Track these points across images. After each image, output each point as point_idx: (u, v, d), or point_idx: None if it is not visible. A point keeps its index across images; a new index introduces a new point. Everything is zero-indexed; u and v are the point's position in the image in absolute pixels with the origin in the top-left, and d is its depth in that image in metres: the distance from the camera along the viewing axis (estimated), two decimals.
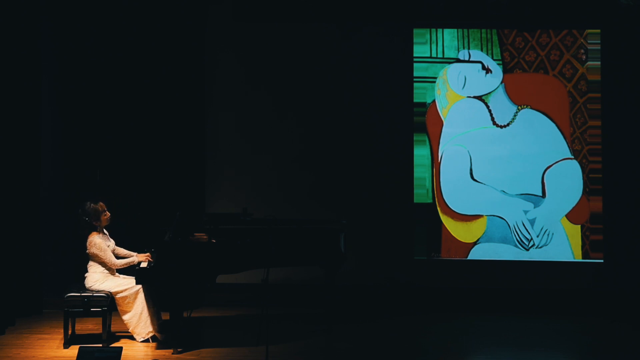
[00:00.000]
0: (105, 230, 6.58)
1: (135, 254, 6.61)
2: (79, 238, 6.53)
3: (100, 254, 6.39)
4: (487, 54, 8.38)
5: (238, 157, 8.38)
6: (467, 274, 8.26)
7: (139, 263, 6.50)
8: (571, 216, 8.27)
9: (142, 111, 8.14)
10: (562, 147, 8.31)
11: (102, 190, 7.96)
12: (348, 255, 7.02)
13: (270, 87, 8.41)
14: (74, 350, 5.96)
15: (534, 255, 8.25)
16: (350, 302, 7.96)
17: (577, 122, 8.33)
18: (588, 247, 8.25)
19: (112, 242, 6.59)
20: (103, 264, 6.43)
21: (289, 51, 8.41)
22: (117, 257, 6.55)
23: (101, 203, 6.52)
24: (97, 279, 6.41)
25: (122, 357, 5.46)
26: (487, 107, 8.35)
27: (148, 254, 6.56)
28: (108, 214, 6.55)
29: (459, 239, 8.33)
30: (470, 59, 8.40)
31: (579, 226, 8.26)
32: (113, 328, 6.74)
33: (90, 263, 6.48)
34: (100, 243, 6.40)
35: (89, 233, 6.46)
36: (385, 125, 8.36)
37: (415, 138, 8.39)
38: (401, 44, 8.39)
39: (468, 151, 8.35)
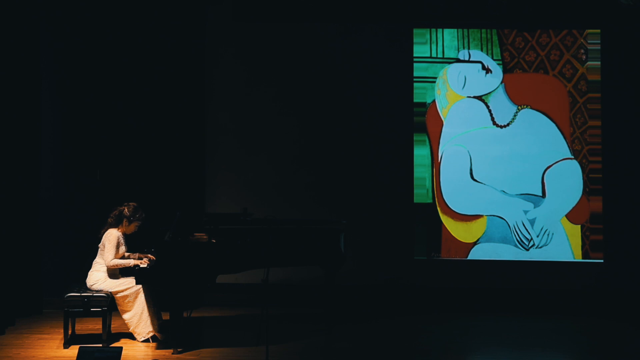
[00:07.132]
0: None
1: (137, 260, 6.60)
2: (84, 234, 6.52)
3: (108, 245, 6.39)
4: (487, 54, 8.38)
5: (238, 156, 8.38)
6: (467, 274, 8.26)
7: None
8: (571, 216, 8.27)
9: (142, 111, 8.14)
10: (562, 147, 8.31)
11: (102, 190, 7.98)
12: (348, 255, 7.02)
13: (270, 87, 8.40)
14: (74, 350, 5.97)
15: (534, 255, 8.25)
16: (350, 302, 7.97)
17: (577, 122, 8.32)
18: (588, 247, 8.25)
19: (124, 247, 6.58)
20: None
21: (289, 51, 8.41)
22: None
23: (144, 216, 6.56)
24: (99, 278, 6.41)
25: (122, 357, 5.47)
26: (487, 107, 8.35)
27: (138, 254, 6.58)
28: (137, 229, 6.59)
29: (459, 239, 8.33)
30: (470, 59, 8.40)
31: (579, 226, 8.26)
32: (113, 328, 6.74)
33: (97, 260, 6.48)
34: (115, 238, 6.42)
35: (112, 226, 6.48)
36: (386, 125, 8.36)
37: (415, 138, 8.39)
38: (401, 44, 8.39)
39: (468, 151, 8.35)
